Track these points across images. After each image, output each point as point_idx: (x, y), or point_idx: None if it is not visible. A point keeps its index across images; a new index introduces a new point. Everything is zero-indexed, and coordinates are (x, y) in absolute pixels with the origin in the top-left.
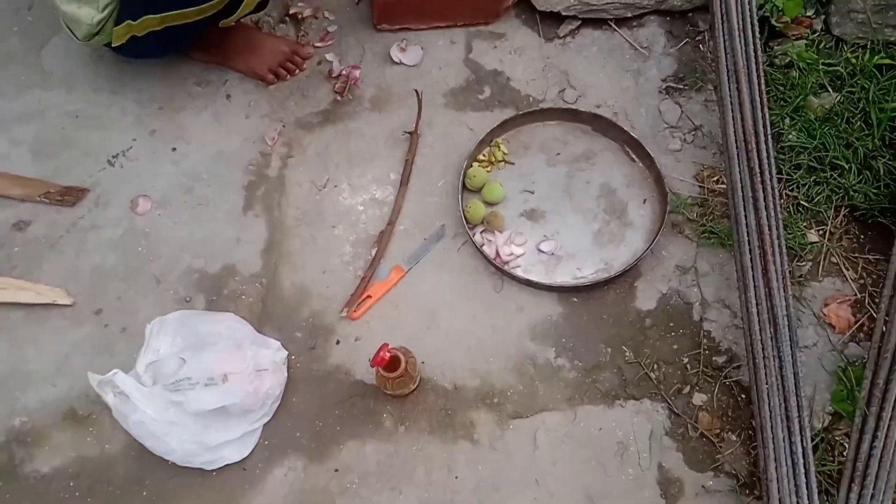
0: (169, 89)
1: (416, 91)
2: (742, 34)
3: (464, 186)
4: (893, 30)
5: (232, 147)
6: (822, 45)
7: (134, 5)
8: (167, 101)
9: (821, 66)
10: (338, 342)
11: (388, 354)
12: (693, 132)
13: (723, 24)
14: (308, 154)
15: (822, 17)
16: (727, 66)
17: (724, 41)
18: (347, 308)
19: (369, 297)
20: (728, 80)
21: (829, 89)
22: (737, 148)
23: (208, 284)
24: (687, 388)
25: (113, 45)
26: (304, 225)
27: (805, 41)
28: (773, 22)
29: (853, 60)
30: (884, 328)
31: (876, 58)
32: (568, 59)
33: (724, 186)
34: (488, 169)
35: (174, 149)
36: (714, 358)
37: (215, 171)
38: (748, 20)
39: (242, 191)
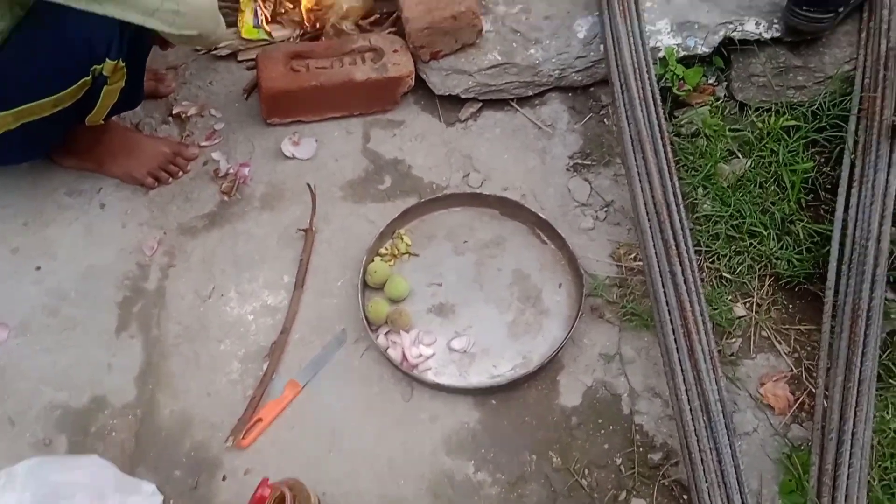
0: (36, 202)
1: (308, 185)
2: (643, 104)
3: (365, 284)
4: (795, 91)
5: (105, 260)
6: (727, 110)
7: None
8: (33, 216)
9: (727, 133)
10: (224, 478)
11: (268, 492)
12: (605, 209)
13: (623, 95)
14: (192, 262)
15: (724, 83)
16: (631, 136)
17: (626, 112)
18: (234, 436)
19: (260, 420)
20: (633, 150)
21: (739, 155)
22: (649, 221)
23: (72, 422)
24: (623, 494)
25: None
26: (187, 342)
27: (709, 108)
28: (675, 91)
29: (759, 124)
30: (824, 404)
31: (781, 120)
32: (471, 143)
33: (641, 264)
34: (391, 263)
35: (38, 267)
36: (649, 455)
37: (85, 288)
38: (649, 90)
39: (116, 309)
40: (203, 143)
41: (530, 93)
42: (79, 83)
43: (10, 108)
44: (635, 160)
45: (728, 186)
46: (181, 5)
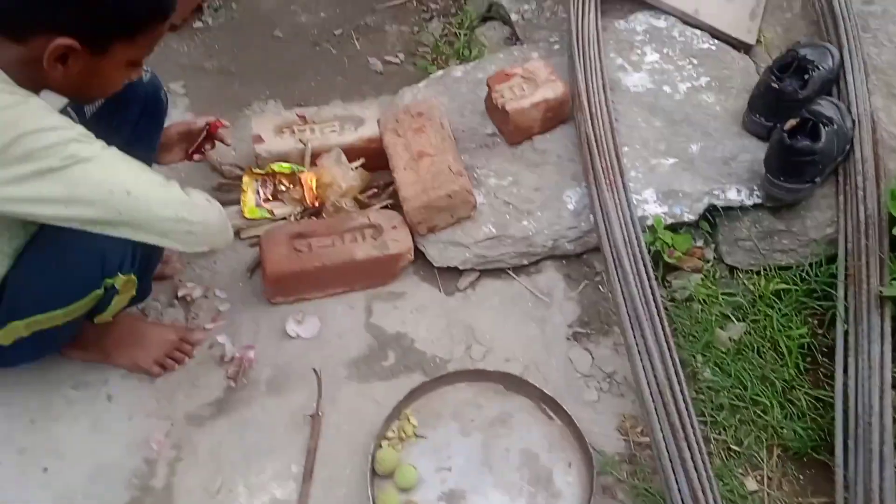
0: (43, 397)
1: (314, 371)
2: (636, 276)
3: (374, 472)
4: (782, 254)
5: (113, 457)
6: (718, 274)
7: None
8: (40, 412)
9: (721, 298)
10: None
11: None
12: (607, 380)
13: (616, 268)
14: (199, 455)
15: (712, 245)
16: (628, 311)
17: (621, 285)
18: None
19: None
20: (631, 326)
21: (734, 319)
22: (653, 401)
23: None
24: None
25: None
26: None
27: (702, 274)
28: (665, 258)
29: (751, 288)
30: None
31: (772, 284)
32: (471, 313)
33: (648, 439)
34: (399, 448)
35: (45, 469)
36: None
37: (93, 490)
38: (640, 260)
39: None
40: (208, 326)
41: (526, 262)
42: (90, 296)
43: (23, 319)
44: (634, 338)
45: (726, 352)
46: (193, 226)
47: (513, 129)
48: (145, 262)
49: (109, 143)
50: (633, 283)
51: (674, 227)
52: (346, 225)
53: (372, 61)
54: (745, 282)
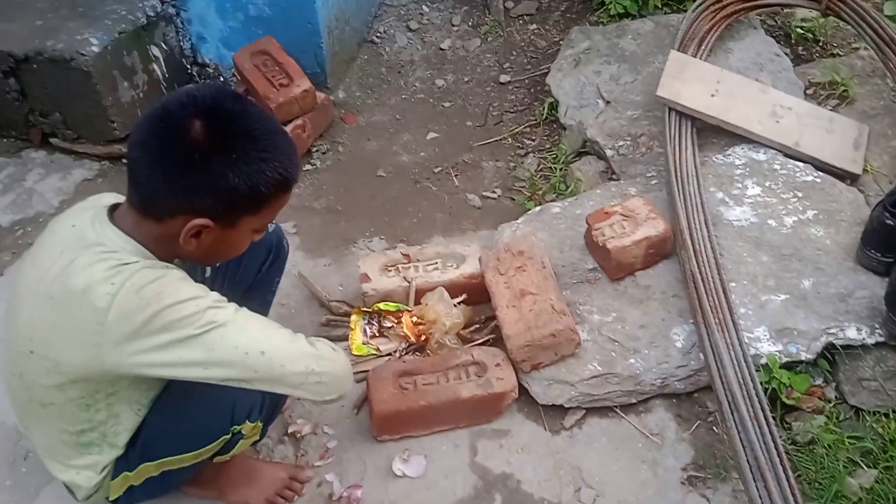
0: None
1: None
2: (755, 421)
3: None
4: None
5: None
6: (841, 416)
7: (129, 457)
8: None
9: (847, 442)
10: None
11: None
12: None
13: (732, 411)
14: None
15: (833, 385)
16: (748, 461)
17: (738, 432)
18: None
19: None
20: (753, 478)
21: (864, 466)
22: None
23: None
24: None
25: (110, 499)
26: None
27: (824, 415)
28: (783, 398)
29: (880, 430)
30: None
31: None
32: (578, 453)
33: None
34: None
35: None
36: None
37: None
38: (757, 404)
39: None
40: (317, 464)
41: (633, 400)
42: (219, 441)
43: (154, 460)
44: (757, 490)
45: (857, 502)
46: (322, 377)
47: (615, 266)
48: (272, 409)
49: (234, 289)
50: (752, 428)
51: (789, 366)
52: (451, 363)
53: (470, 197)
54: (874, 424)
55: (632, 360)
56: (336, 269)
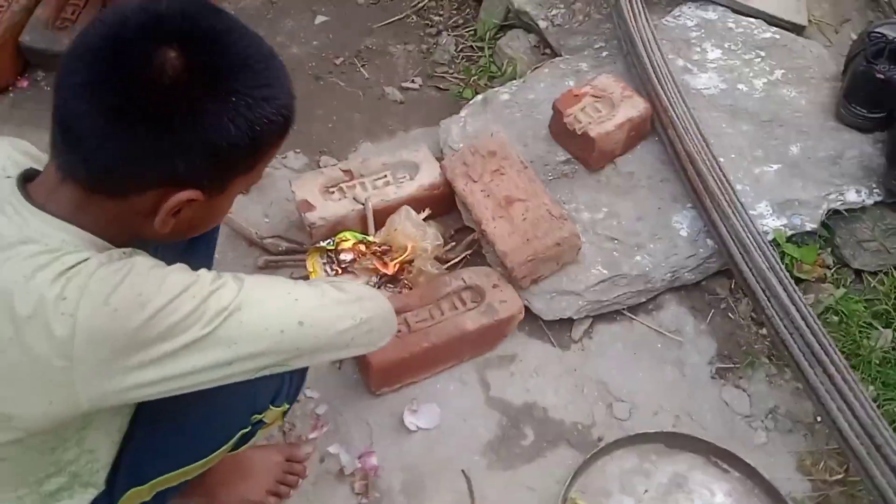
0: None
1: (463, 473)
2: (794, 305)
3: None
4: None
5: None
6: (847, 281)
7: (112, 489)
8: None
9: (862, 308)
10: None
11: None
12: (771, 417)
13: (768, 297)
14: None
15: (829, 248)
16: (799, 349)
17: (778, 315)
18: None
19: None
20: (810, 366)
21: (878, 327)
22: (861, 444)
23: None
24: None
25: None
26: None
27: (829, 282)
28: (795, 273)
29: (885, 291)
30: None
31: None
32: (596, 365)
33: (839, 475)
34: None
35: None
36: None
37: None
38: (787, 283)
39: None
40: (311, 436)
41: (643, 299)
42: (233, 439)
43: (147, 482)
44: (816, 377)
45: (879, 364)
46: (373, 321)
47: (597, 156)
48: (299, 382)
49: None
50: (791, 308)
51: (793, 240)
52: (441, 292)
53: (388, 90)
54: (878, 285)
55: (638, 258)
56: (254, 198)
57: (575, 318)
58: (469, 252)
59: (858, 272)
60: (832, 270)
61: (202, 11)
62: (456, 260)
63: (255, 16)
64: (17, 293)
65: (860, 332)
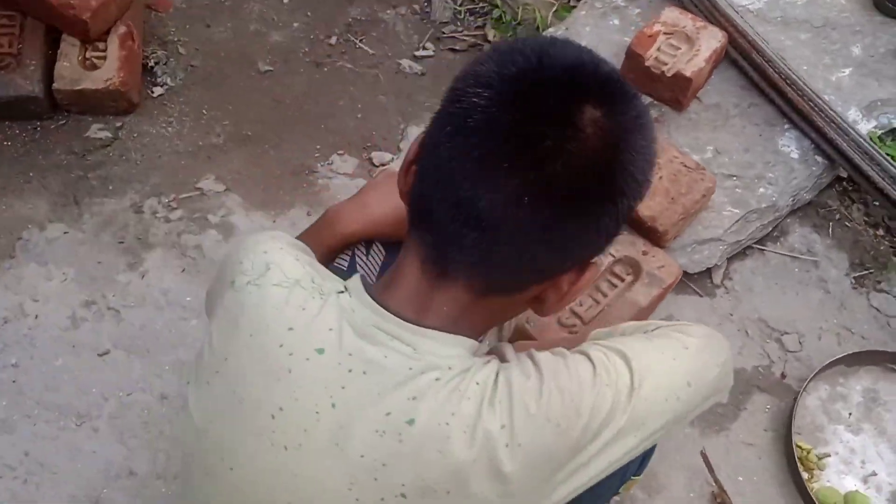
0: None
1: (701, 453)
2: None
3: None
4: None
5: None
6: None
7: None
8: None
9: None
10: None
11: None
12: None
13: None
14: None
15: None
16: None
17: None
18: None
19: None
20: None
21: None
22: None
23: None
24: None
25: None
26: None
27: None
28: None
29: None
30: None
31: None
32: (749, 305)
33: None
34: (820, 481)
35: None
36: None
37: None
38: None
39: None
40: None
41: (770, 229)
42: None
43: None
44: None
45: None
46: (728, 363)
47: (691, 94)
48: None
49: None
50: None
51: (881, 139)
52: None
53: (402, 63)
54: None
55: (761, 190)
56: (317, 214)
57: (719, 263)
58: None
59: None
60: None
61: (589, 52)
62: None
63: (213, 6)
64: (454, 436)
65: None
